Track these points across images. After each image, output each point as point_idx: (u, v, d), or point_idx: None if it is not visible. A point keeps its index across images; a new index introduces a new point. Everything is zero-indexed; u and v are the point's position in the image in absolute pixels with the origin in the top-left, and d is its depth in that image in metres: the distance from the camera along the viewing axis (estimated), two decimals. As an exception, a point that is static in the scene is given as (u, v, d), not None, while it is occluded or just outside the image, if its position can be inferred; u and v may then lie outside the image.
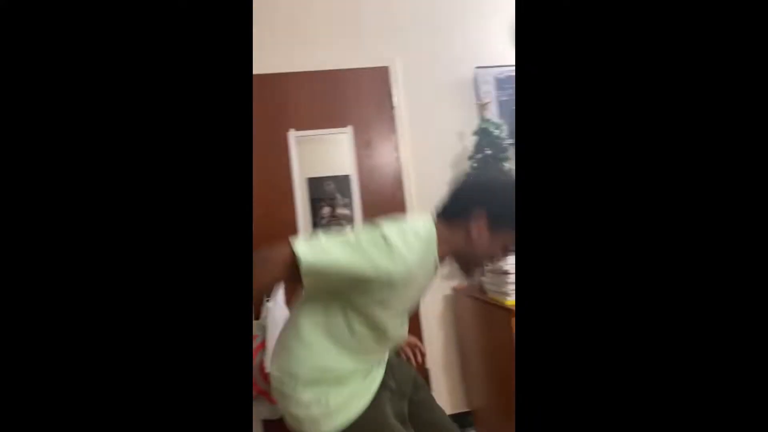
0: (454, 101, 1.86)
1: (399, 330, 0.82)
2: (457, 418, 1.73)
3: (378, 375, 0.84)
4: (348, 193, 1.76)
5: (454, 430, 0.91)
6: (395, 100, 1.81)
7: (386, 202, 1.78)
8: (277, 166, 1.72)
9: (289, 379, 0.76)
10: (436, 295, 1.77)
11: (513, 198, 0.74)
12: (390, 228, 0.70)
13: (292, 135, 1.73)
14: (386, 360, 0.89)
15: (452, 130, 1.85)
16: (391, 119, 1.81)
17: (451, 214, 0.78)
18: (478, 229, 0.75)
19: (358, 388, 0.79)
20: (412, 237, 0.70)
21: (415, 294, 0.78)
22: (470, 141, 1.78)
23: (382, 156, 1.80)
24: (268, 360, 1.43)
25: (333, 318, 0.75)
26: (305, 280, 0.67)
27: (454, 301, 1.75)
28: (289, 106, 1.75)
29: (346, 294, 0.72)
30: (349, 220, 1.77)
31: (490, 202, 0.75)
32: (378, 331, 0.76)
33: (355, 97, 1.80)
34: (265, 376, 1.42)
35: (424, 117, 1.84)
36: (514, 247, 0.77)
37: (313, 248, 0.67)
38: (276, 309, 1.47)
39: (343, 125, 1.77)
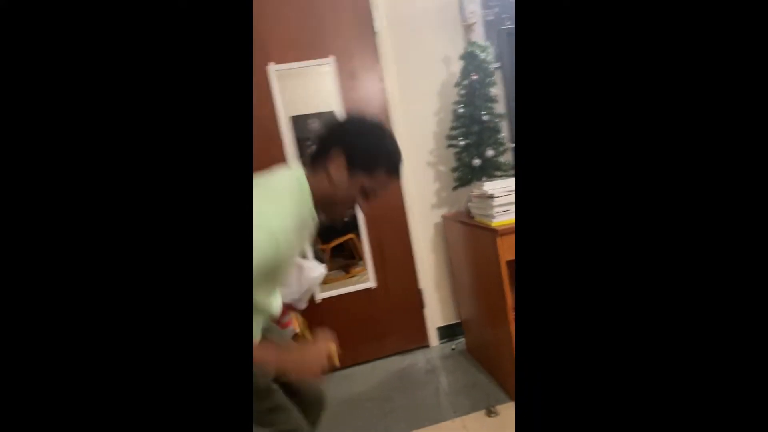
0: (438, 24, 1.77)
1: (273, 307, 0.89)
2: (449, 328, 1.95)
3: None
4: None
5: (320, 392, 1.06)
6: (377, 25, 1.71)
7: (374, 135, 1.78)
8: (261, 104, 1.68)
9: None
10: (427, 223, 1.87)
11: (369, 139, 0.76)
12: (267, 214, 0.68)
13: (273, 69, 1.66)
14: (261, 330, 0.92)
15: (438, 56, 1.79)
16: (374, 47, 1.73)
17: (315, 158, 0.78)
18: (336, 170, 0.76)
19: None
20: (285, 209, 0.71)
21: (293, 259, 0.81)
22: (457, 66, 1.74)
23: (367, 88, 1.76)
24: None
25: None
26: None
27: (444, 227, 1.86)
28: (266, 38, 1.65)
29: None
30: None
31: (348, 143, 0.76)
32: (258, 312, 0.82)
33: (335, 25, 1.70)
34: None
35: (408, 43, 1.76)
36: (371, 190, 0.78)
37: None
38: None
39: (325, 56, 1.69)
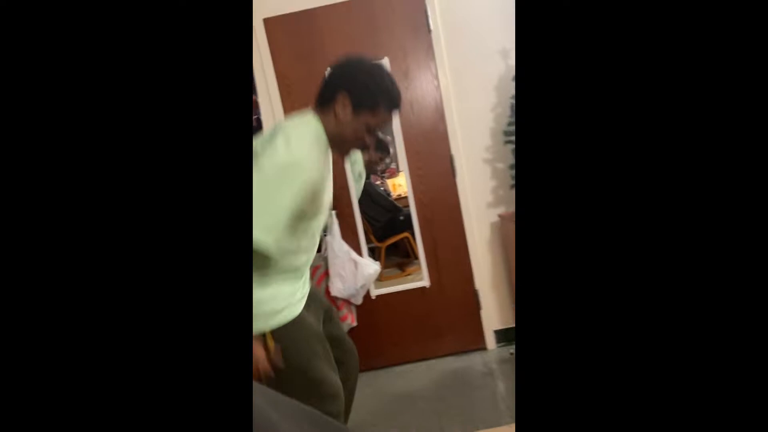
0: (495, 16, 1.71)
1: (311, 246, 0.95)
2: (508, 332, 1.88)
3: (301, 293, 0.94)
4: (388, 130, 1.77)
5: (353, 345, 1.11)
6: (431, 23, 1.70)
7: (428, 134, 1.77)
8: (319, 107, 1.75)
9: None
10: (483, 222, 1.82)
11: (370, 80, 0.84)
12: (291, 150, 0.77)
13: (330, 74, 1.73)
14: (307, 290, 0.99)
15: (494, 49, 1.73)
16: (428, 45, 1.73)
17: (322, 101, 0.87)
18: (343, 110, 0.83)
19: (281, 292, 0.89)
20: (305, 146, 0.80)
21: (326, 198, 0.91)
22: (514, 59, 1.67)
23: (421, 86, 1.76)
24: (332, 286, 1.62)
25: None
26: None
27: (500, 227, 1.79)
28: (323, 43, 1.73)
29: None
30: (393, 158, 1.81)
31: (351, 85, 0.83)
32: (306, 232, 0.89)
33: (389, 25, 1.72)
34: (331, 299, 1.62)
35: (463, 38, 1.72)
36: (375, 126, 0.86)
37: (263, 234, 0.74)
38: (334, 242, 1.62)
39: (379, 57, 1.72)
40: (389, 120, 0.89)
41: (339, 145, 0.89)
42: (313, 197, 0.85)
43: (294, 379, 0.88)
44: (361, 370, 1.92)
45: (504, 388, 1.57)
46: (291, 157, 0.77)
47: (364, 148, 0.93)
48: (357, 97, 0.83)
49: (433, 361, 1.87)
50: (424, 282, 1.84)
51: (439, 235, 1.83)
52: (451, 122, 1.76)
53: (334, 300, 1.63)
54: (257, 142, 0.82)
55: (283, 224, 0.78)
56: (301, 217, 0.84)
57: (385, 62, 1.72)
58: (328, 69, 0.89)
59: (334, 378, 0.94)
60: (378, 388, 1.73)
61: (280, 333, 0.88)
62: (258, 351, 0.82)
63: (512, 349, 1.83)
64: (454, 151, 1.77)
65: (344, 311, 1.67)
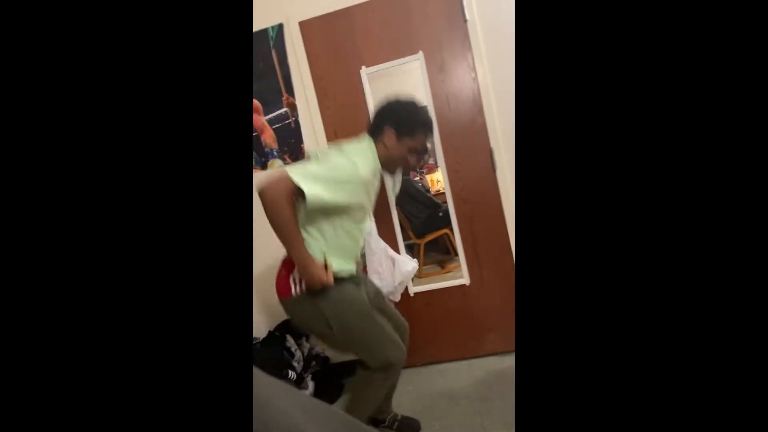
0: None
1: (360, 238, 1.23)
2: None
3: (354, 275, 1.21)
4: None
5: (405, 321, 1.35)
6: (467, 13, 1.65)
7: (466, 128, 1.72)
8: (356, 108, 1.76)
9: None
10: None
11: (407, 114, 1.15)
12: (350, 157, 1.07)
13: (364, 72, 1.73)
14: (358, 274, 1.26)
15: (536, 35, 1.63)
16: (464, 36, 1.67)
17: (373, 132, 1.18)
18: (389, 140, 1.14)
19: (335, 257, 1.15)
20: (362, 159, 1.08)
21: (372, 197, 1.20)
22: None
23: (458, 79, 1.71)
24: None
25: (323, 227, 1.12)
26: (309, 208, 1.03)
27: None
28: (357, 42, 1.73)
29: (333, 212, 1.09)
30: (431, 153, 1.78)
31: (394, 120, 1.14)
32: (351, 233, 1.15)
33: (423, 17, 1.69)
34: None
35: (501, 28, 1.65)
36: (416, 148, 1.17)
37: (314, 187, 1.00)
38: (371, 239, 1.63)
39: (414, 52, 1.70)
40: (425, 141, 1.19)
41: (388, 166, 1.19)
42: (358, 199, 1.11)
43: (355, 334, 1.14)
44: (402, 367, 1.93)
45: (550, 390, 1.50)
46: (353, 161, 1.07)
47: (409, 167, 1.21)
48: (399, 129, 1.13)
49: (474, 360, 1.84)
50: (464, 280, 1.81)
51: (479, 232, 1.78)
52: (489, 115, 1.69)
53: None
54: (314, 154, 1.17)
55: (331, 192, 1.03)
56: (343, 212, 1.10)
57: (420, 57, 1.69)
58: (374, 108, 1.21)
59: (392, 333, 1.20)
60: (419, 386, 1.73)
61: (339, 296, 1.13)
62: (318, 267, 1.06)
63: (559, 349, 1.75)
64: (494, 145, 1.71)
65: (383, 309, 1.68)
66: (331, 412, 0.47)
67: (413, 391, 1.70)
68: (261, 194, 0.99)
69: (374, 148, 1.14)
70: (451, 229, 1.81)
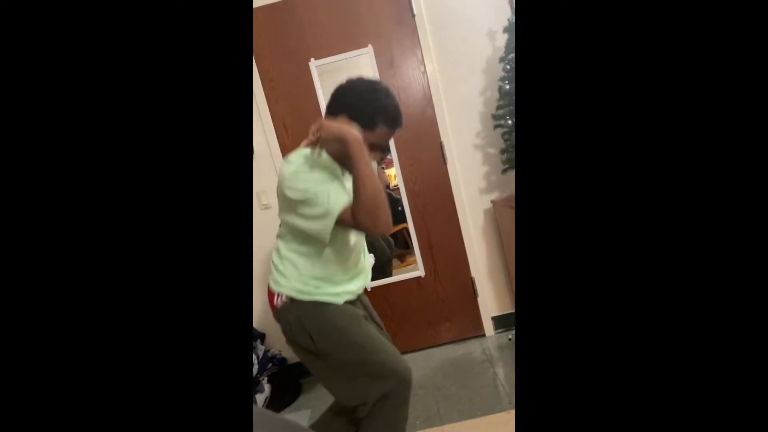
0: (480, -4, 1.66)
1: (358, 246, 1.03)
2: (505, 317, 1.87)
3: (355, 288, 1.02)
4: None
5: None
6: (414, 7, 1.66)
7: (417, 122, 1.74)
8: (305, 101, 1.73)
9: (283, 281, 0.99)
10: (476, 209, 1.80)
11: (365, 101, 0.90)
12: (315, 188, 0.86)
13: (313, 65, 1.70)
14: (360, 292, 1.07)
15: (481, 31, 1.68)
16: (413, 31, 1.68)
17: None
18: None
19: (336, 287, 0.98)
20: (327, 187, 0.86)
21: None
22: (502, 40, 1.62)
23: (408, 73, 1.72)
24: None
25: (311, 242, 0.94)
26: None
27: (495, 212, 1.77)
28: (306, 35, 1.69)
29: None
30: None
31: (349, 108, 0.90)
32: (341, 247, 0.96)
33: (371, 12, 1.68)
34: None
35: (449, 21, 1.68)
36: (376, 142, 0.92)
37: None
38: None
39: (363, 45, 1.69)
40: (389, 136, 0.94)
41: (345, 163, 0.92)
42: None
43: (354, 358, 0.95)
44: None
45: (503, 374, 1.57)
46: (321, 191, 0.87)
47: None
48: (355, 119, 0.88)
49: (432, 350, 1.87)
50: (419, 272, 1.83)
51: (432, 224, 1.81)
52: (439, 108, 1.72)
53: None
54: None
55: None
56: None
57: (369, 50, 1.69)
58: (332, 92, 0.95)
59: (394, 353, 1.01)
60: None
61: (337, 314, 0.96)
62: (353, 129, 0.86)
63: (511, 334, 1.83)
64: (443, 137, 1.74)
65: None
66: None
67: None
68: (382, 234, 0.87)
69: (327, 158, 0.91)
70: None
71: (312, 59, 1.69)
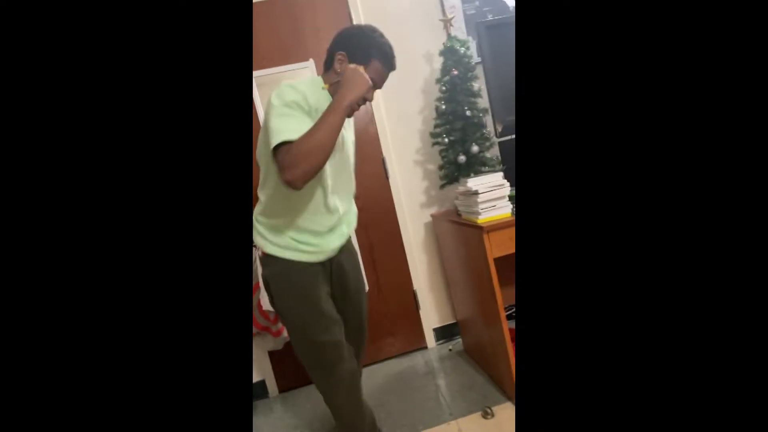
0: (418, 20, 1.75)
1: (335, 202, 1.06)
2: (446, 329, 1.92)
3: (323, 243, 1.05)
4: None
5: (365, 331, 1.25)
6: (354, 23, 1.69)
7: (360, 137, 1.76)
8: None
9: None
10: (417, 223, 1.84)
11: (362, 38, 0.98)
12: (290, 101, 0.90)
13: (253, 76, 1.65)
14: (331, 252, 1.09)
15: (419, 53, 1.76)
16: (354, 48, 1.71)
17: (326, 66, 1.03)
18: (340, 65, 0.98)
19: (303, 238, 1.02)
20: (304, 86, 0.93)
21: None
22: (438, 62, 1.71)
23: (350, 89, 1.74)
24: (263, 299, 1.53)
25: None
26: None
27: (434, 226, 1.83)
28: (243, 45, 1.64)
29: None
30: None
31: (346, 45, 0.98)
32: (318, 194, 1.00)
33: (313, 26, 1.68)
34: (264, 314, 1.54)
35: (388, 38, 1.74)
36: (374, 81, 0.98)
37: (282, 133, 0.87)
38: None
39: (305, 59, 1.68)
40: (382, 74, 1.00)
41: (337, 90, 0.96)
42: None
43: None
44: (303, 383, 1.84)
45: (444, 385, 1.59)
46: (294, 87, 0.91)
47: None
48: (351, 54, 0.96)
49: (375, 366, 1.85)
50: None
51: (375, 238, 1.82)
52: (381, 125, 1.76)
53: (267, 314, 1.54)
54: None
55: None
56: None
57: (310, 64, 1.68)
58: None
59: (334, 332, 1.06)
60: (319, 399, 1.67)
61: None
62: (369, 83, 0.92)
63: (451, 345, 1.87)
64: (385, 153, 1.78)
65: (279, 325, 1.59)
66: None
67: (314, 405, 1.63)
68: (292, 184, 0.86)
69: (317, 78, 1.00)
70: (349, 237, 1.82)
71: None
